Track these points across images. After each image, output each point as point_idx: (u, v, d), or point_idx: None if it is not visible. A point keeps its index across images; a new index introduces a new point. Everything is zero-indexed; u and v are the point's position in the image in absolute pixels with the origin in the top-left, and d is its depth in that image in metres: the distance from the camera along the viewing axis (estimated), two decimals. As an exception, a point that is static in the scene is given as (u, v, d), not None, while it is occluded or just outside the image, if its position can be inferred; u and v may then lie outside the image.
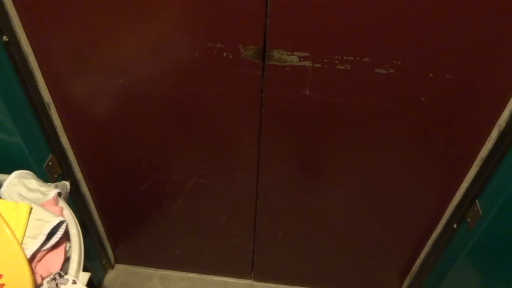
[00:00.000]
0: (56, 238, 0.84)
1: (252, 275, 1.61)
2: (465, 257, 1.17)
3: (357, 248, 1.41)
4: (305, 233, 1.38)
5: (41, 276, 0.81)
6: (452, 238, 1.22)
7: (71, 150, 1.19)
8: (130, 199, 1.36)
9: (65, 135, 1.14)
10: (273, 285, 1.61)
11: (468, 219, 1.13)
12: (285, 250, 1.46)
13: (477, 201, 1.10)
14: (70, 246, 0.89)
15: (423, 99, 0.93)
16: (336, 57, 0.87)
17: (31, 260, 0.80)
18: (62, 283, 0.79)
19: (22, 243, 0.81)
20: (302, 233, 1.38)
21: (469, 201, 1.11)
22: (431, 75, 0.88)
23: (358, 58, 0.86)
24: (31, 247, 0.80)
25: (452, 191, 1.15)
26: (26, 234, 0.83)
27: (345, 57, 0.86)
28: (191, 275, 1.63)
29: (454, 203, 1.17)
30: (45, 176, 1.10)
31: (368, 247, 1.40)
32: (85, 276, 0.83)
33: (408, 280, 1.49)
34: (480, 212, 1.08)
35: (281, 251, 1.47)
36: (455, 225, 1.19)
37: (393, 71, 0.88)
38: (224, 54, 0.90)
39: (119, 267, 1.65)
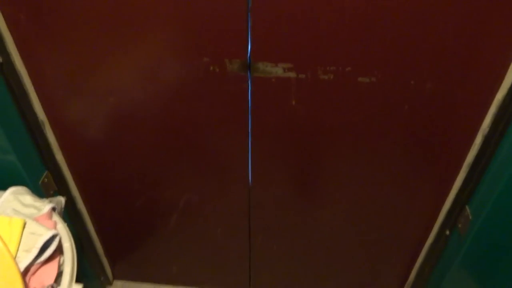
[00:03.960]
0: (50, 251, 0.86)
1: (250, 289, 1.61)
2: (459, 263, 1.18)
3: (352, 260, 1.42)
4: (300, 246, 1.39)
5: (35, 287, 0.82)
6: (445, 245, 1.22)
7: (67, 168, 1.21)
8: (126, 215, 1.38)
9: (60, 153, 1.17)
10: (271, 298, 1.61)
11: (460, 225, 1.14)
12: (281, 263, 1.47)
13: (467, 207, 1.11)
14: (64, 260, 0.90)
15: (406, 107, 0.96)
16: (319, 67, 0.89)
17: (24, 273, 0.82)
18: (54, 295, 0.80)
19: (16, 257, 0.82)
20: (297, 246, 1.39)
21: (459, 207, 1.13)
22: (412, 82, 0.91)
23: (340, 68, 0.89)
24: (24, 260, 0.82)
25: (442, 198, 1.16)
26: (20, 248, 0.84)
27: (327, 67, 0.89)
28: (190, 290, 1.63)
29: (445, 210, 1.18)
30: (41, 193, 1.11)
31: (364, 259, 1.41)
32: (77, 288, 0.84)
33: (406, 290, 1.49)
34: (470, 218, 1.09)
35: (277, 264, 1.47)
36: (447, 232, 1.20)
37: (375, 80, 0.91)
38: (211, 68, 0.93)
39: (118, 284, 1.65)
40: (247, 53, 0.89)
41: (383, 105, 0.96)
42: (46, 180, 1.13)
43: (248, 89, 0.97)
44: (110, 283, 1.65)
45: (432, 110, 0.96)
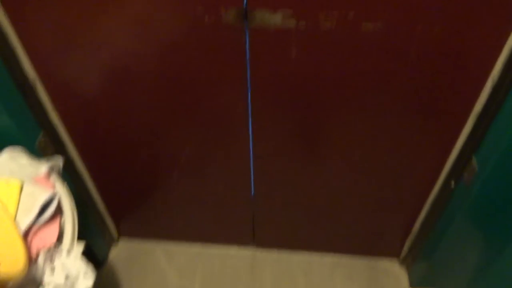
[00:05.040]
0: (49, 212, 0.85)
1: (254, 243, 1.62)
2: (463, 214, 1.17)
3: (357, 211, 1.42)
4: (303, 198, 1.38)
5: (37, 248, 0.82)
6: (450, 196, 1.21)
7: (63, 128, 1.19)
8: (126, 174, 1.37)
9: (54, 112, 1.14)
10: (275, 251, 1.63)
11: (465, 176, 1.13)
12: (284, 217, 1.47)
13: (473, 157, 1.09)
14: (65, 220, 0.89)
15: (412, 54, 0.91)
16: (320, 13, 0.84)
17: (26, 234, 0.81)
18: (56, 254, 0.80)
19: (15, 218, 0.82)
20: (300, 199, 1.39)
21: (465, 157, 1.10)
22: (419, 27, 0.85)
23: (343, 13, 0.84)
24: (24, 221, 0.81)
25: (449, 148, 1.13)
26: (19, 209, 0.83)
27: (329, 12, 0.84)
28: (194, 245, 1.65)
29: (451, 160, 1.16)
30: (38, 154, 1.09)
31: (368, 210, 1.41)
32: (79, 247, 0.84)
33: (409, 241, 1.50)
34: (476, 168, 1.07)
35: (280, 218, 1.48)
36: (452, 183, 1.18)
37: (379, 25, 0.85)
38: (206, 18, 0.88)
39: (123, 242, 1.67)
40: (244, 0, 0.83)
41: (388, 53, 0.92)
42: (42, 141, 1.11)
43: (246, 41, 0.92)
44: (116, 241, 1.67)
45: (440, 57, 0.91)
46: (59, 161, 1.03)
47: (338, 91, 1.02)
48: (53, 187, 0.91)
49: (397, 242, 1.53)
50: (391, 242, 1.54)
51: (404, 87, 0.99)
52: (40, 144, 1.10)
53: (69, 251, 0.81)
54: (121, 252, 1.64)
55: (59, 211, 0.88)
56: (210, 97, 1.08)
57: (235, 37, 0.92)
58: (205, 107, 1.11)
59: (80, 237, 0.88)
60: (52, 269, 0.80)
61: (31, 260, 0.79)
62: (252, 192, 1.38)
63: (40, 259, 0.81)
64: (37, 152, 1.09)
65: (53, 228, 0.86)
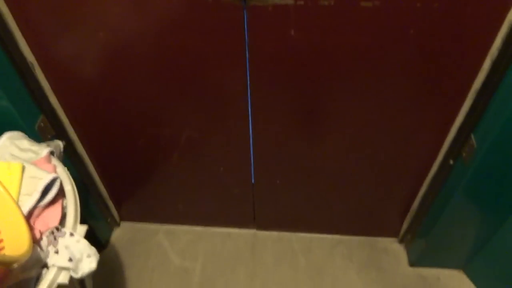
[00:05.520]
0: (51, 194, 0.85)
1: (255, 225, 1.64)
2: (461, 192, 1.18)
3: (356, 191, 1.43)
4: (303, 179, 1.39)
5: (40, 231, 0.82)
6: (449, 174, 1.22)
7: (62, 110, 1.19)
8: (127, 156, 1.37)
9: (53, 95, 1.14)
10: (276, 232, 1.64)
11: (464, 154, 1.13)
12: (285, 198, 1.48)
13: (472, 135, 1.09)
14: (67, 202, 0.90)
15: (411, 32, 0.91)
16: (318, -10, 0.84)
17: (28, 216, 0.82)
18: (60, 236, 0.81)
19: (18, 201, 0.82)
20: (300, 179, 1.39)
21: (464, 135, 1.11)
22: (418, 4, 0.85)
23: (341, -9, 0.83)
24: (26, 204, 0.82)
25: (447, 126, 1.14)
26: (21, 192, 0.84)
27: (327, -10, 0.83)
28: (196, 228, 1.66)
29: (449, 139, 1.17)
30: (38, 138, 1.09)
31: (367, 189, 1.42)
32: (82, 229, 0.85)
33: (408, 219, 1.52)
34: (475, 146, 1.08)
35: (281, 198, 1.49)
36: (451, 161, 1.19)
37: (378, 3, 0.85)
38: (204, -3, 0.87)
39: (125, 224, 1.69)
40: (241, -22, 0.83)
41: (387, 31, 0.91)
42: (42, 124, 1.11)
43: (244, 19, 0.92)
44: (118, 225, 1.68)
45: (439, 34, 0.91)
46: (59, 145, 1.04)
47: (337, 68, 1.02)
48: (54, 170, 0.91)
49: (396, 221, 1.55)
50: (390, 221, 1.55)
51: (402, 65, 0.98)
52: (40, 127, 1.10)
53: (72, 234, 0.82)
54: (123, 234, 1.66)
55: (61, 193, 0.89)
56: (208, 76, 1.07)
57: (233, 15, 0.91)
58: (204, 87, 1.10)
59: (82, 220, 0.89)
60: (56, 251, 0.81)
61: (35, 243, 0.80)
62: (252, 175, 1.38)
63: (44, 242, 0.82)
64: (37, 135, 1.09)
65: (56, 211, 0.87)
